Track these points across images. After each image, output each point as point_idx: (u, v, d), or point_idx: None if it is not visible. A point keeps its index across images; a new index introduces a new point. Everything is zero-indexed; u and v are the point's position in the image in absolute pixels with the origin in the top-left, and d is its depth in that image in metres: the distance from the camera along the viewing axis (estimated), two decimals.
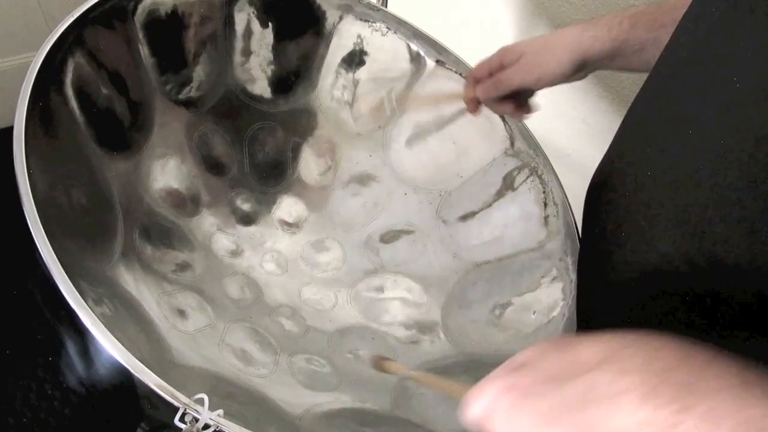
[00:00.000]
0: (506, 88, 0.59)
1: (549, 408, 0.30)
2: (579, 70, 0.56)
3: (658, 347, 0.30)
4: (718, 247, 0.37)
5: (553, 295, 0.61)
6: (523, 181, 0.68)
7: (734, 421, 0.25)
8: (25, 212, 0.43)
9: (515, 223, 0.67)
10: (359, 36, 0.74)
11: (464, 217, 0.71)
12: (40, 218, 0.42)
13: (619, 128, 0.54)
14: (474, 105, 0.64)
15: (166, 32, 0.64)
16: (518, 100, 0.62)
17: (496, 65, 0.60)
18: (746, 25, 0.36)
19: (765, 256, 0.33)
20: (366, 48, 0.74)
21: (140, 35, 0.61)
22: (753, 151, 0.33)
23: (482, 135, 0.70)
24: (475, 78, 0.63)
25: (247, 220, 0.71)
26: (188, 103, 0.67)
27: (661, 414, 0.27)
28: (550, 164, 0.68)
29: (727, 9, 0.38)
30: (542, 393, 0.31)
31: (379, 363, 0.59)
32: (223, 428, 0.39)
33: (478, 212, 0.70)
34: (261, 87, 0.72)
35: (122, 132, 0.60)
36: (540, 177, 0.67)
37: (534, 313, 0.61)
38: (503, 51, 0.60)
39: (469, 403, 0.34)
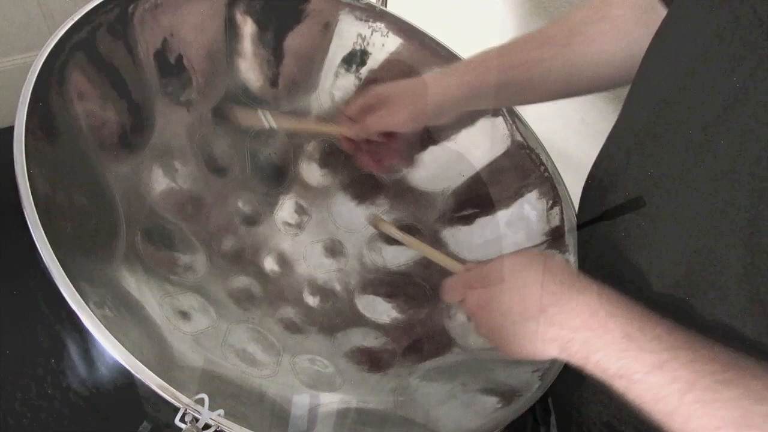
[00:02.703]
0: (374, 131, 0.63)
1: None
2: (439, 113, 0.61)
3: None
4: (717, 245, 0.37)
5: None
6: (525, 180, 0.68)
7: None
8: (26, 214, 0.42)
9: (517, 221, 0.67)
10: (359, 36, 0.74)
11: (466, 217, 0.71)
12: (40, 220, 0.42)
13: (613, 128, 0.54)
14: (347, 143, 0.67)
15: (166, 34, 0.64)
16: (399, 149, 0.67)
17: (366, 106, 0.63)
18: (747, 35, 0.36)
19: (761, 255, 0.34)
20: (366, 48, 0.74)
21: (141, 37, 0.61)
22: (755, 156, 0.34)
23: (483, 133, 0.70)
24: (346, 116, 0.65)
25: (250, 221, 0.71)
26: (189, 105, 0.67)
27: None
28: (551, 161, 0.68)
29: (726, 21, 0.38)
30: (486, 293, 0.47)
31: (376, 221, 0.66)
32: (224, 428, 0.39)
33: (480, 211, 0.70)
34: (262, 88, 0.72)
35: (124, 134, 0.60)
36: (542, 174, 0.67)
37: None
38: (373, 93, 0.63)
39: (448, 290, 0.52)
